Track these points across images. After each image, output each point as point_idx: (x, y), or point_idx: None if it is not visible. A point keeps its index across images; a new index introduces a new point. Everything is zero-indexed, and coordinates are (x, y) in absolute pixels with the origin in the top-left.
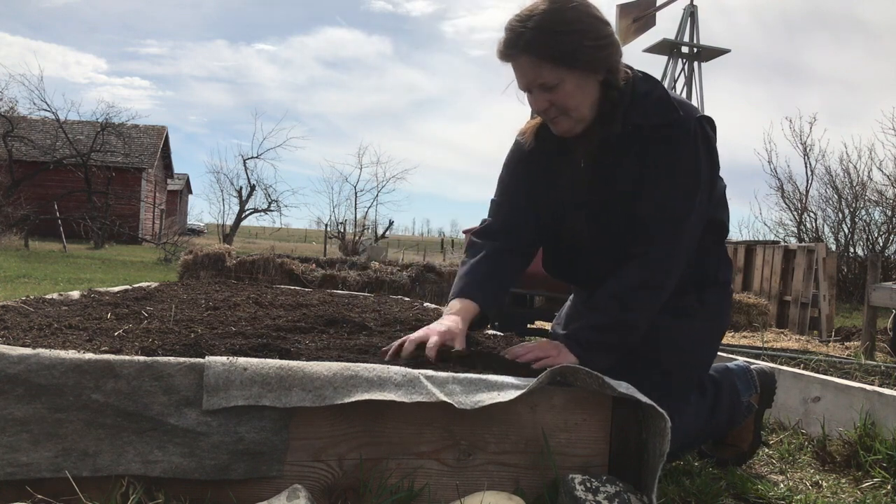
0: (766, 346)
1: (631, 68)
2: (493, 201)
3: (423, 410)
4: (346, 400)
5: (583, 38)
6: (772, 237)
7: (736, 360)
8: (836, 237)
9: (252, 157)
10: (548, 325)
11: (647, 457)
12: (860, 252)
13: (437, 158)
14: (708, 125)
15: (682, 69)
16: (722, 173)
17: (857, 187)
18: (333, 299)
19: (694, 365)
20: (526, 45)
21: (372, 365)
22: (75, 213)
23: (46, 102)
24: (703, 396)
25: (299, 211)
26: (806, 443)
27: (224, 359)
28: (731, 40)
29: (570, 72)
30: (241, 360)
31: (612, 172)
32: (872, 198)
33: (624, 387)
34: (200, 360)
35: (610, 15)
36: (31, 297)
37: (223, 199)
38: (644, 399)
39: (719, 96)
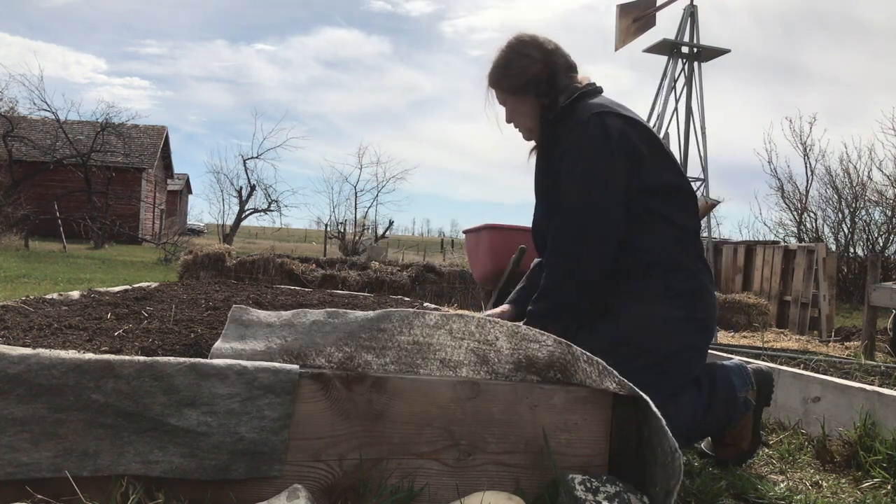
0: (766, 346)
1: (583, 82)
2: None
3: (423, 410)
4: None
5: (504, 70)
6: (772, 237)
7: (732, 359)
8: (836, 237)
9: (252, 157)
10: None
11: (658, 455)
12: (860, 252)
13: (437, 158)
14: (616, 118)
15: (682, 69)
16: (722, 173)
17: (857, 187)
18: (333, 299)
19: (674, 351)
20: (487, 76)
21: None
22: (75, 213)
23: (46, 102)
24: (698, 391)
25: (299, 211)
26: (806, 443)
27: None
28: (730, 41)
29: (507, 95)
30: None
31: (548, 172)
32: (872, 198)
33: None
34: (200, 360)
35: (609, 15)
36: (31, 297)
37: (223, 199)
38: (640, 394)
39: (719, 96)
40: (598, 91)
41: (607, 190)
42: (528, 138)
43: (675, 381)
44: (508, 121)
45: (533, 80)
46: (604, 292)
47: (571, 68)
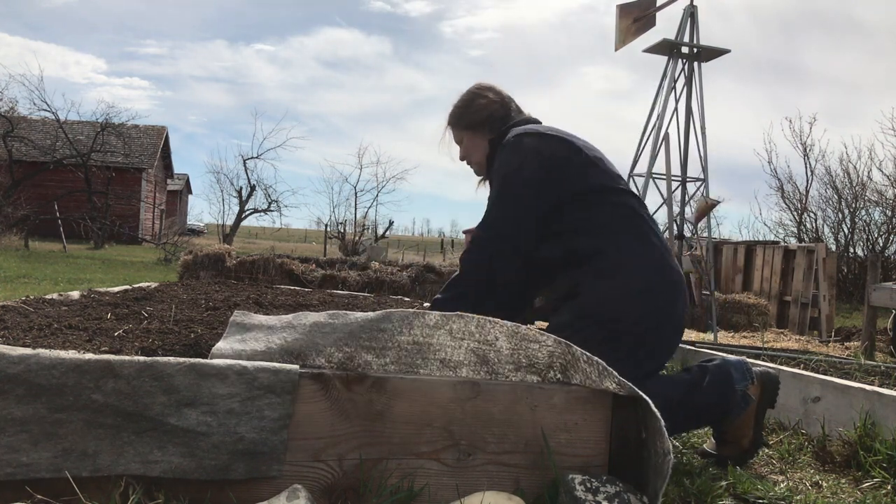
0: (766, 346)
1: (525, 117)
2: None
3: (423, 410)
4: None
5: (465, 109)
6: (772, 237)
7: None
8: (836, 237)
9: (252, 158)
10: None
11: (651, 456)
12: (860, 252)
13: (436, 158)
14: (532, 137)
15: (682, 69)
16: (722, 173)
17: (856, 187)
18: (333, 299)
19: (636, 321)
20: (448, 115)
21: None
22: (75, 213)
23: (46, 102)
24: (686, 372)
25: (299, 211)
26: (806, 443)
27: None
28: (730, 41)
29: (464, 132)
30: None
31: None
32: (872, 198)
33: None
34: (200, 360)
35: (609, 15)
36: (31, 297)
37: (223, 200)
38: (640, 394)
39: (719, 96)
40: (535, 121)
41: (511, 211)
42: (479, 173)
43: (644, 352)
44: (462, 157)
45: (491, 118)
46: (564, 279)
47: (521, 112)
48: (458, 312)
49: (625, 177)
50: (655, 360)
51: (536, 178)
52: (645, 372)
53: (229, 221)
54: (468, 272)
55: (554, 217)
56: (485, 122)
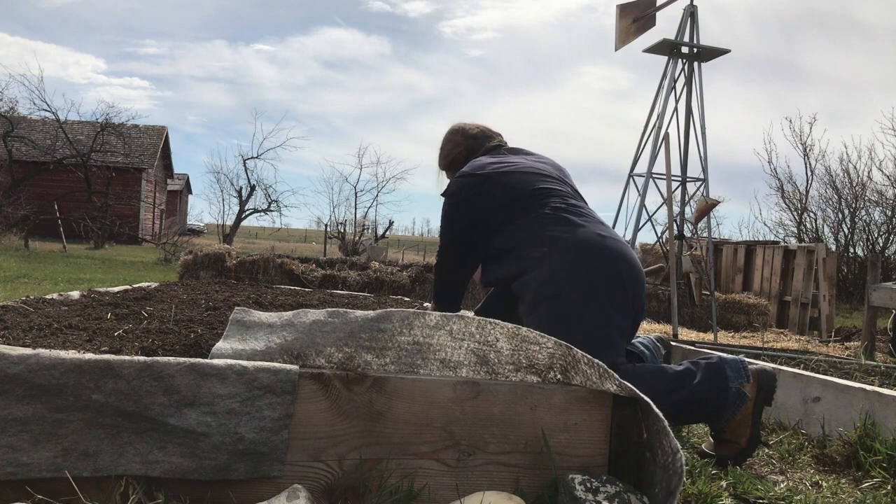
0: (766, 346)
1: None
2: None
3: (423, 410)
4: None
5: (440, 153)
6: (772, 237)
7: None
8: (836, 237)
9: (252, 158)
10: None
11: (658, 456)
12: (860, 252)
13: (437, 158)
14: (461, 178)
15: (682, 69)
16: (722, 173)
17: (856, 187)
18: (333, 299)
19: (576, 285)
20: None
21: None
22: (75, 213)
23: (46, 102)
24: (679, 366)
25: (299, 211)
26: (806, 443)
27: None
28: (730, 41)
29: (446, 172)
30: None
31: None
32: (872, 198)
33: (622, 383)
34: (200, 360)
35: (609, 15)
36: (31, 297)
37: (223, 200)
38: (640, 395)
39: (719, 96)
40: (490, 149)
41: (449, 240)
42: None
43: (592, 314)
44: None
45: (456, 160)
46: (517, 287)
47: (491, 139)
48: (459, 313)
49: (625, 176)
50: (611, 321)
51: (455, 212)
52: (606, 335)
53: (229, 221)
54: (436, 288)
55: (484, 239)
56: (453, 164)
